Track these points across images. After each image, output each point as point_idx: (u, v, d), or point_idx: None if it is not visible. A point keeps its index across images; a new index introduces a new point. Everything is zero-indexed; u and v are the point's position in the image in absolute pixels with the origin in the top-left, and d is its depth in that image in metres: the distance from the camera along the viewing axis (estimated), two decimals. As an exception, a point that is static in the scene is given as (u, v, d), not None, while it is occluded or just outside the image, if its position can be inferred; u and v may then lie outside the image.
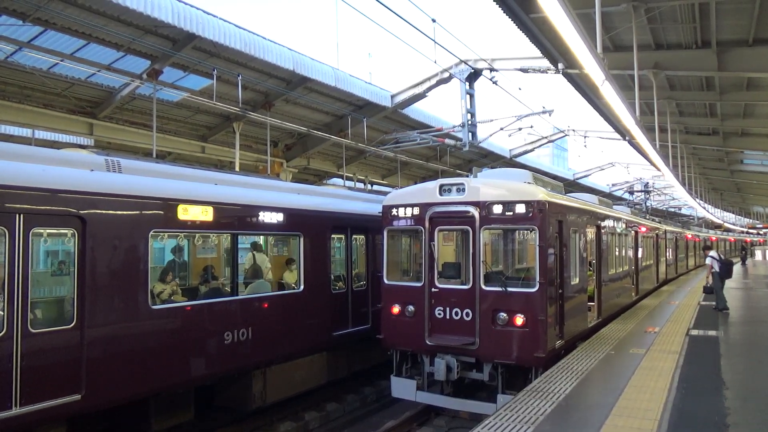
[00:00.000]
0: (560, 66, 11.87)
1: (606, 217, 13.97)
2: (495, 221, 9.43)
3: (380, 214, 10.62)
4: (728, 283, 17.04)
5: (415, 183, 20.82)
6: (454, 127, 16.82)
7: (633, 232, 17.67)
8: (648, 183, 34.03)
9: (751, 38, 10.41)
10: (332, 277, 11.45)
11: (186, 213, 8.50)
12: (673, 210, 52.16)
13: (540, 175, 11.29)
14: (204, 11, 12.55)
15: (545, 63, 13.72)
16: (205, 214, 8.80)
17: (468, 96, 15.84)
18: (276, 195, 10.51)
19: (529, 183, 10.08)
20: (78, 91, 14.51)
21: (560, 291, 9.93)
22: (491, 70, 15.80)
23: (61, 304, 7.36)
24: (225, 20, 13.09)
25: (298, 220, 10.61)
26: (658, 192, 39.26)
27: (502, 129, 18.60)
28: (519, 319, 8.99)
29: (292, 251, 11.03)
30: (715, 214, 43.11)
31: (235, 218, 9.43)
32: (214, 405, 10.28)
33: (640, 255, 18.48)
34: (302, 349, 10.63)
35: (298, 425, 10.20)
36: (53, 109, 14.53)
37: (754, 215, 61.51)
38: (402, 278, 10.66)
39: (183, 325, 8.39)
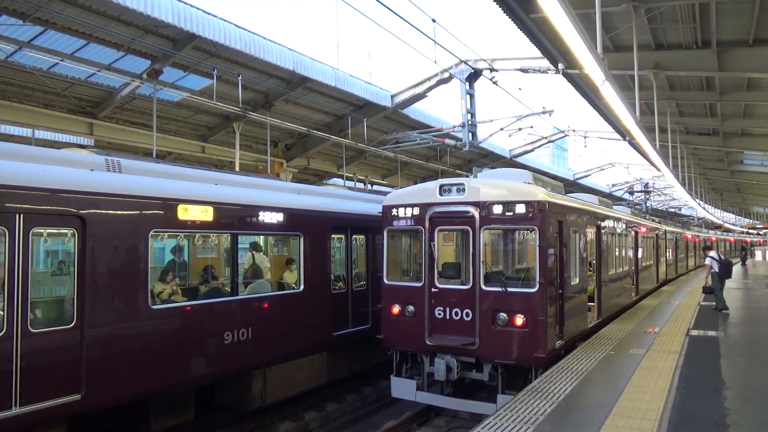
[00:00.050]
0: (560, 66, 11.86)
1: (606, 217, 13.97)
2: (495, 221, 9.43)
3: (380, 214, 10.62)
4: (728, 283, 17.03)
5: (415, 183, 20.83)
6: (454, 127, 16.82)
7: (633, 232, 17.67)
8: (648, 183, 34.04)
9: (751, 38, 10.41)
10: (332, 277, 11.45)
11: (186, 213, 8.50)
12: (673, 210, 52.16)
13: (540, 175, 11.30)
14: (204, 11, 12.55)
15: (545, 63, 13.72)
16: (205, 214, 8.80)
17: (468, 96, 15.84)
18: (276, 195, 10.51)
19: (529, 183, 10.08)
20: (78, 91, 14.52)
21: (560, 291, 9.93)
22: (491, 70, 15.80)
23: (61, 303, 7.36)
24: (225, 20, 13.09)
25: (298, 220, 10.61)
26: (658, 192, 39.26)
27: (502, 129, 18.62)
28: (519, 320, 8.99)
29: (292, 251, 11.03)
30: (715, 215, 43.11)
31: (235, 218, 9.43)
32: (214, 405, 10.28)
33: (640, 255, 18.48)
34: (302, 349, 10.63)
35: (298, 425, 10.19)
36: (53, 109, 14.53)
37: (754, 215, 61.52)
38: (402, 278, 10.66)
39: (183, 325, 8.39)
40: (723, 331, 12.23)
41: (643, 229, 19.59)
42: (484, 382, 9.38)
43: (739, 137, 19.05)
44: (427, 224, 9.89)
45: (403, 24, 10.05)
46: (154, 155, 14.09)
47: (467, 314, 9.38)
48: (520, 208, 9.18)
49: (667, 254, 26.17)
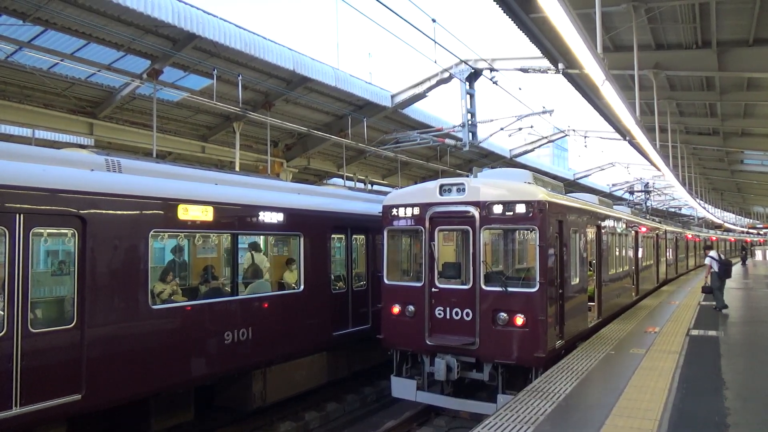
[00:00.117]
0: (560, 66, 11.86)
1: (606, 217, 13.97)
2: (495, 221, 9.43)
3: (380, 214, 10.62)
4: (728, 283, 17.03)
5: (415, 183, 20.82)
6: (454, 127, 16.82)
7: (633, 232, 17.67)
8: (648, 183, 34.05)
9: (751, 38, 10.41)
10: (332, 277, 11.45)
11: (186, 213, 8.50)
12: (673, 210, 52.17)
13: (540, 175, 11.29)
14: (204, 11, 12.55)
15: (545, 63, 13.72)
16: (206, 214, 8.80)
17: (468, 96, 15.85)
18: (276, 195, 10.51)
19: (529, 183, 10.07)
20: (78, 91, 14.52)
21: (560, 291, 9.93)
22: (491, 70, 15.81)
23: (62, 304, 7.35)
24: (225, 20, 13.09)
25: (298, 220, 10.61)
26: (659, 192, 39.27)
27: (502, 129, 18.62)
28: (519, 319, 8.99)
29: (292, 251, 11.03)
30: (715, 214, 43.11)
31: (236, 218, 9.43)
32: (214, 405, 10.28)
33: (640, 255, 18.48)
34: (302, 349, 10.63)
35: (298, 425, 10.20)
36: (53, 109, 14.53)
37: (754, 215, 61.52)
38: (402, 278, 10.66)
39: (183, 325, 8.39)
40: (723, 331, 12.23)
41: (644, 229, 19.59)
42: (484, 382, 9.38)
43: (740, 137, 19.05)
44: (427, 224, 9.89)
45: (403, 24, 10.06)
46: (154, 155, 14.09)
47: (467, 314, 9.38)
48: (521, 208, 9.18)
49: (668, 254, 26.16)
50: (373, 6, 9.12)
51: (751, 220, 65.63)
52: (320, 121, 19.35)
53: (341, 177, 23.68)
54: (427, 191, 10.11)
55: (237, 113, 15.98)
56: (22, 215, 6.56)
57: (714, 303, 15.38)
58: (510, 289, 9.20)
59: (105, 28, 11.72)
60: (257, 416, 10.19)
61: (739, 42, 10.70)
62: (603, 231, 13.28)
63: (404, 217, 10.24)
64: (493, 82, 15.75)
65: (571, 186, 30.61)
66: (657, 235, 22.87)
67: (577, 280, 11.05)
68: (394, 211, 10.36)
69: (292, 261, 10.82)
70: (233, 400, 10.09)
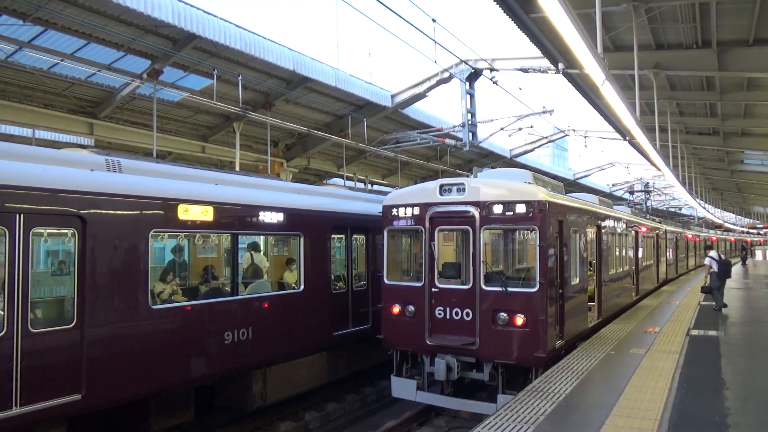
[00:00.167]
0: (560, 66, 11.86)
1: (606, 217, 13.97)
2: (495, 221, 9.43)
3: (380, 214, 10.62)
4: (729, 283, 17.02)
5: (416, 183, 20.81)
6: (455, 127, 16.82)
7: (633, 232, 17.66)
8: (648, 183, 34.05)
9: (751, 38, 10.41)
10: (332, 277, 11.45)
11: (186, 213, 8.50)
12: (673, 210, 52.17)
13: (540, 175, 11.29)
14: (204, 11, 12.54)
15: (545, 63, 13.71)
16: (206, 214, 8.80)
17: (468, 96, 15.84)
18: (276, 195, 10.51)
19: (529, 183, 10.07)
20: (78, 91, 14.51)
21: (560, 291, 9.93)
22: (491, 70, 15.80)
23: (62, 304, 7.35)
24: (225, 20, 13.08)
25: (298, 220, 10.61)
26: (659, 192, 39.26)
27: (502, 129, 18.62)
28: (519, 319, 8.99)
29: (292, 251, 11.03)
30: (715, 214, 43.11)
31: (236, 218, 9.43)
32: (214, 405, 10.28)
33: (640, 255, 18.48)
34: (302, 349, 10.63)
35: (298, 425, 10.20)
36: (53, 109, 14.53)
37: (754, 215, 61.51)
38: (402, 278, 10.66)
39: (183, 325, 8.39)
40: (723, 331, 12.23)
41: (644, 229, 19.59)
42: (484, 382, 9.38)
43: (740, 137, 19.05)
44: (427, 224, 9.88)
45: (403, 24, 10.06)
46: (155, 155, 14.09)
47: (467, 314, 9.37)
48: (521, 208, 9.18)
49: (668, 254, 26.16)
50: (373, 6, 9.13)
51: (751, 220, 65.64)
52: (320, 121, 19.35)
53: (341, 177, 23.68)
54: (427, 191, 10.11)
55: (237, 113, 15.98)
56: (22, 215, 6.56)
57: (714, 303, 15.38)
58: (510, 289, 9.20)
59: (105, 28, 11.72)
60: (257, 416, 10.19)
61: (739, 42, 10.70)
62: (603, 231, 13.28)
63: (404, 217, 10.24)
64: (493, 82, 15.75)
65: (571, 186, 30.60)
66: (657, 235, 22.87)
67: (577, 280, 11.05)
68: (394, 211, 10.36)
69: (292, 261, 10.82)
70: (233, 400, 10.09)
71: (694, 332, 11.90)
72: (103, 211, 7.39)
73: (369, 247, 12.50)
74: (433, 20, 11.59)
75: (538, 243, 9.08)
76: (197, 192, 8.84)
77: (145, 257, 7.84)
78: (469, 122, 15.76)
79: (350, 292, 11.93)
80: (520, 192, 9.37)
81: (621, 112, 10.08)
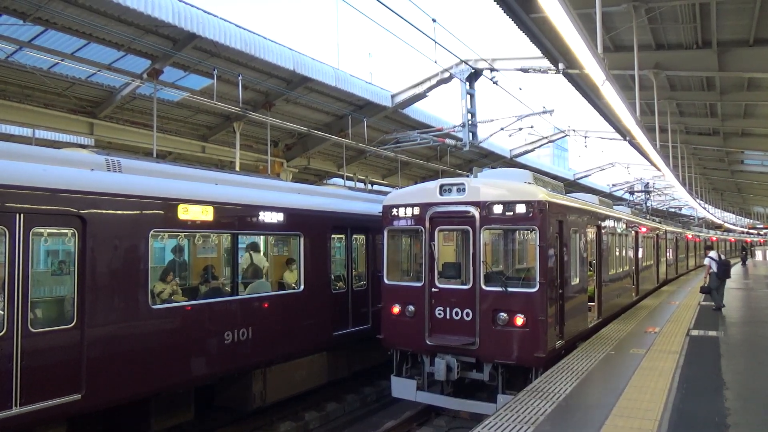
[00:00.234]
0: (561, 66, 11.86)
1: (606, 217, 13.97)
2: (495, 221, 9.43)
3: (380, 214, 10.61)
4: (729, 283, 17.03)
5: (416, 183, 20.82)
6: (455, 127, 16.82)
7: (633, 232, 17.66)
8: (648, 183, 34.05)
9: (751, 38, 10.40)
10: (332, 277, 11.45)
11: (186, 213, 8.50)
12: (673, 210, 52.16)
13: (540, 175, 11.29)
14: (204, 11, 12.54)
15: (546, 63, 13.71)
16: (206, 213, 8.80)
17: (468, 96, 15.85)
18: (276, 195, 10.51)
19: (529, 183, 10.07)
20: (78, 91, 14.51)
21: (560, 291, 9.92)
22: (492, 70, 15.80)
23: (61, 303, 7.36)
24: (225, 20, 13.08)
25: (298, 220, 10.61)
26: (659, 192, 39.27)
27: (502, 129, 18.62)
28: (519, 319, 8.98)
29: (292, 251, 11.03)
30: (715, 215, 43.09)
31: (236, 218, 9.43)
32: (214, 405, 10.28)
33: (640, 255, 18.48)
34: (302, 349, 10.63)
35: (298, 425, 10.19)
36: (54, 109, 14.52)
37: (754, 215, 61.49)
38: (402, 278, 10.66)
39: (183, 325, 8.39)
40: (723, 331, 12.23)
41: (644, 229, 19.59)
42: (484, 382, 9.38)
43: (740, 137, 19.05)
44: (427, 224, 9.88)
45: (404, 24, 10.05)
46: (155, 155, 14.09)
47: (467, 314, 9.37)
48: (521, 208, 9.17)
49: (668, 254, 26.16)
50: (373, 6, 9.13)
51: (751, 221, 65.63)
52: (320, 121, 19.34)
53: (341, 177, 23.67)
54: (427, 191, 10.11)
55: (237, 113, 15.98)
56: (22, 215, 6.56)
57: (714, 303, 15.39)
58: (510, 289, 9.20)
59: (105, 28, 11.72)
60: (257, 416, 10.19)
61: (739, 42, 10.69)
62: (603, 231, 13.27)
63: (404, 217, 10.24)
64: (494, 82, 15.75)
65: (571, 186, 30.61)
66: (657, 235, 22.87)
67: (577, 280, 11.05)
68: (394, 211, 10.36)
69: (292, 261, 10.82)
70: (233, 400, 10.09)
71: (694, 332, 11.89)
72: (103, 211, 7.39)
73: (369, 247, 12.50)
74: (434, 20, 11.59)
75: (538, 243, 9.07)
76: (197, 192, 8.84)
77: (145, 257, 7.84)
78: (469, 122, 15.76)
79: (350, 292, 11.93)
80: (520, 192, 9.37)
81: (621, 112, 10.08)
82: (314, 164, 23.15)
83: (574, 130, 25.56)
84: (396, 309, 10.10)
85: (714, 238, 48.80)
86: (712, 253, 15.78)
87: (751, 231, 69.17)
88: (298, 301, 10.51)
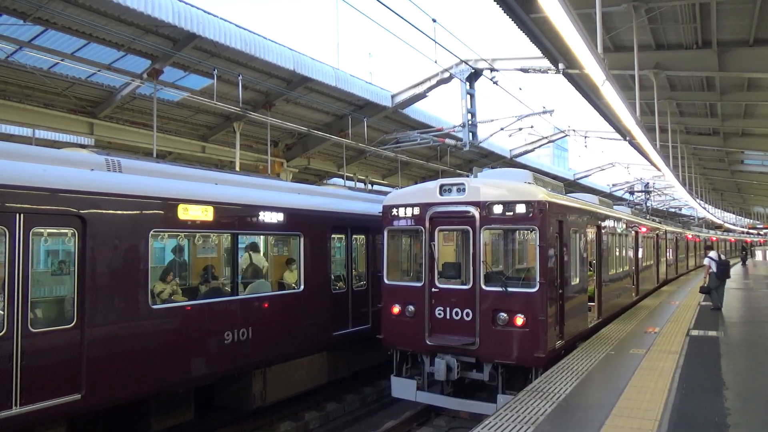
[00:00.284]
0: (561, 66, 11.86)
1: (606, 217, 13.97)
2: (495, 221, 9.43)
3: (380, 214, 10.62)
4: (729, 283, 17.03)
5: (416, 183, 20.81)
6: (455, 127, 16.81)
7: (633, 232, 17.67)
8: (648, 183, 34.05)
9: (751, 38, 10.41)
10: (332, 277, 11.45)
11: (186, 213, 8.50)
12: (673, 210, 52.16)
13: (540, 175, 11.29)
14: (204, 11, 12.54)
15: (546, 63, 13.71)
16: (206, 213, 8.80)
17: (468, 96, 15.84)
18: (276, 195, 10.51)
19: (529, 183, 10.07)
20: (78, 91, 14.51)
21: (560, 291, 9.93)
22: (492, 70, 15.80)
23: (61, 303, 7.36)
24: (225, 20, 13.08)
25: (298, 220, 10.61)
26: (659, 192, 39.27)
27: (502, 129, 18.62)
28: (519, 320, 8.99)
29: (292, 251, 11.03)
30: (715, 215, 43.10)
31: (236, 218, 9.43)
32: (214, 405, 10.28)
33: (640, 255, 18.48)
34: (302, 349, 10.63)
35: (298, 425, 10.19)
36: (54, 109, 14.52)
37: (754, 215, 61.50)
38: (402, 278, 10.66)
39: (183, 325, 8.39)
40: (723, 331, 12.23)
41: (644, 229, 19.59)
42: (484, 382, 9.38)
43: (740, 137, 19.05)
44: (427, 224, 9.88)
45: (404, 24, 10.05)
46: (155, 155, 14.09)
47: (467, 314, 9.37)
48: (521, 208, 9.18)
49: (668, 254, 26.17)
50: (373, 6, 9.13)
51: (752, 221, 65.63)
52: (320, 121, 19.34)
53: (341, 177, 23.67)
54: (427, 191, 10.11)
55: (237, 113, 15.98)
56: (22, 215, 6.56)
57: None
58: (510, 289, 9.20)
59: (105, 28, 11.72)
60: (257, 416, 10.19)
61: (739, 42, 10.69)
62: (603, 231, 13.28)
63: (404, 217, 10.24)
64: (494, 82, 15.75)
65: (571, 186, 30.61)
66: (657, 235, 22.87)
67: (577, 280, 11.05)
68: (394, 211, 10.36)
69: (292, 261, 10.82)
70: (233, 400, 10.09)
71: (694, 332, 11.89)
72: (103, 211, 7.39)
73: (369, 247, 12.50)
74: (434, 20, 11.59)
75: (538, 243, 9.08)
76: (197, 192, 8.84)
77: (145, 257, 7.84)
78: (469, 122, 15.76)
79: (350, 292, 11.93)
80: (520, 192, 9.37)
81: (621, 113, 10.08)
82: (314, 164, 23.15)
83: (574, 130, 25.56)
84: (396, 309, 10.10)
85: (714, 238, 48.79)
86: (712, 253, 15.78)
87: (751, 231, 69.19)
88: (298, 301, 10.51)
